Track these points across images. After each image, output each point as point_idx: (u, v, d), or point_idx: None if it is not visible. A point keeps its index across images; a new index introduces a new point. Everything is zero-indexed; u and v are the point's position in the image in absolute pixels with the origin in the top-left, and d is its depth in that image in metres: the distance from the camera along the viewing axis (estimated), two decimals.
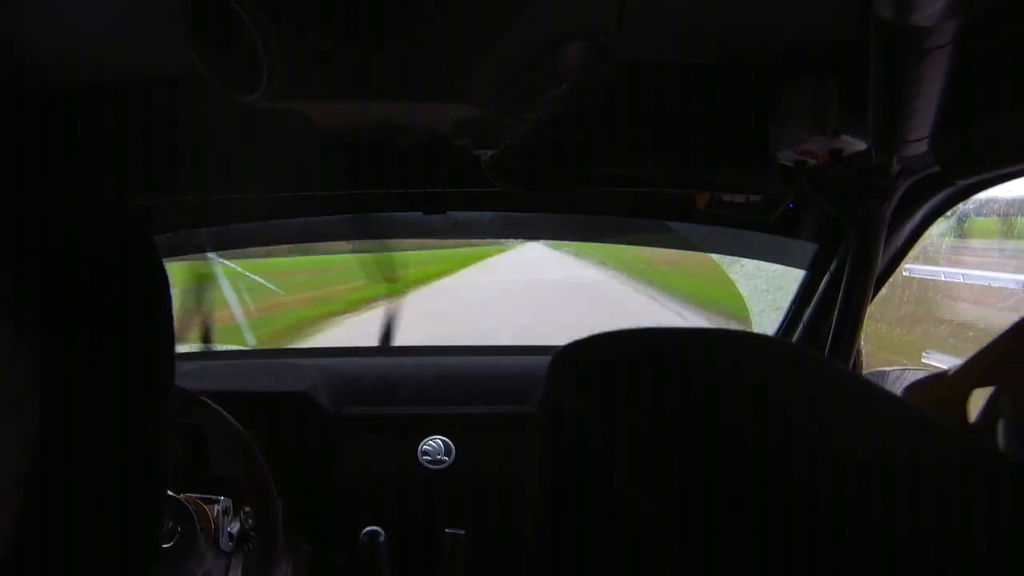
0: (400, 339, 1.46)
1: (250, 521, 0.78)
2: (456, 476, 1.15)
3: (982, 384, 0.38)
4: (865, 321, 1.00)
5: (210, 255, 1.56)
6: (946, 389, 0.40)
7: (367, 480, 1.17)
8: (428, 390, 1.21)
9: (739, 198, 0.99)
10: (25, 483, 0.26)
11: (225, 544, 0.80)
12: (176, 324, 0.34)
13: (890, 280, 1.10)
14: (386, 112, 0.68)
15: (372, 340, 1.46)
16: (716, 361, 0.23)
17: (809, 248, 1.12)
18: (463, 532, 1.11)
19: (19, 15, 0.62)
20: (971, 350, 0.44)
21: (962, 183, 0.90)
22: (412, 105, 0.65)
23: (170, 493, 0.79)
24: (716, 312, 4.93)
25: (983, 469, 0.17)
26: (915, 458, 0.17)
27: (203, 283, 1.45)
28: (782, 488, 0.16)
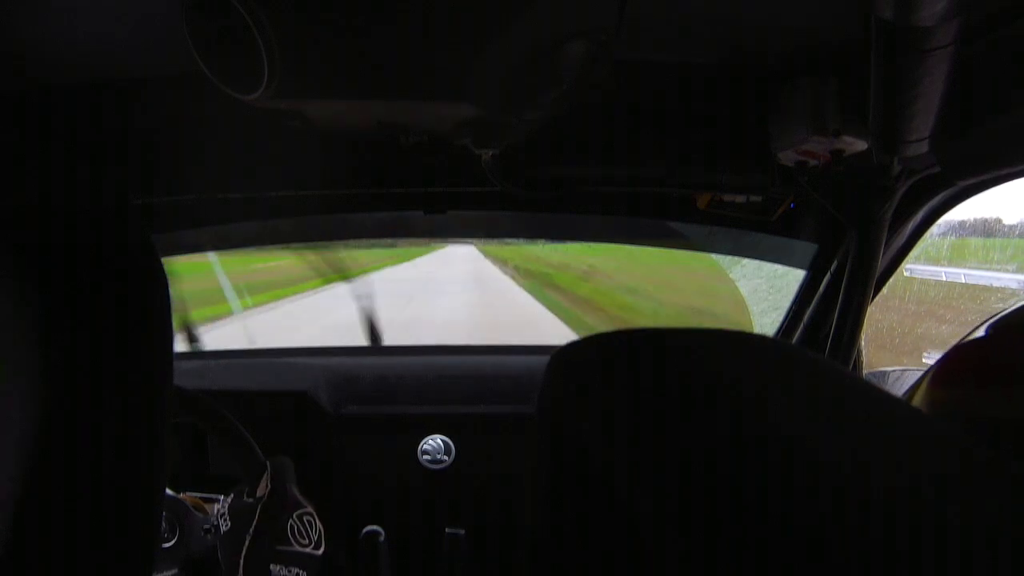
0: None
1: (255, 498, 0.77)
2: (456, 476, 1.15)
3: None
4: (865, 321, 1.00)
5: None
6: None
7: (367, 480, 1.17)
8: (428, 390, 1.21)
9: (740, 198, 0.99)
10: (25, 483, 0.26)
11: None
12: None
13: (890, 280, 1.10)
14: (386, 112, 0.68)
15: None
16: (716, 361, 0.23)
17: (810, 248, 1.12)
18: (463, 532, 1.11)
19: (19, 15, 0.62)
20: None
21: (963, 183, 0.90)
22: (412, 105, 0.65)
23: (170, 493, 0.79)
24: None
25: (983, 478, 0.17)
26: (915, 465, 0.17)
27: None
28: (782, 491, 0.16)
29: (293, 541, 0.74)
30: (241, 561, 0.71)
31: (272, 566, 0.72)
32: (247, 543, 0.72)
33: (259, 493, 0.75)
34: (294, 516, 0.75)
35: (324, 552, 0.76)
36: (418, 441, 1.15)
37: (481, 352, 1.49)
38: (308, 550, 0.74)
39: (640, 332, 0.26)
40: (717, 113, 0.86)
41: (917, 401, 0.40)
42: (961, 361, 0.39)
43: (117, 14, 0.63)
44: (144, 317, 0.32)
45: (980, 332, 0.39)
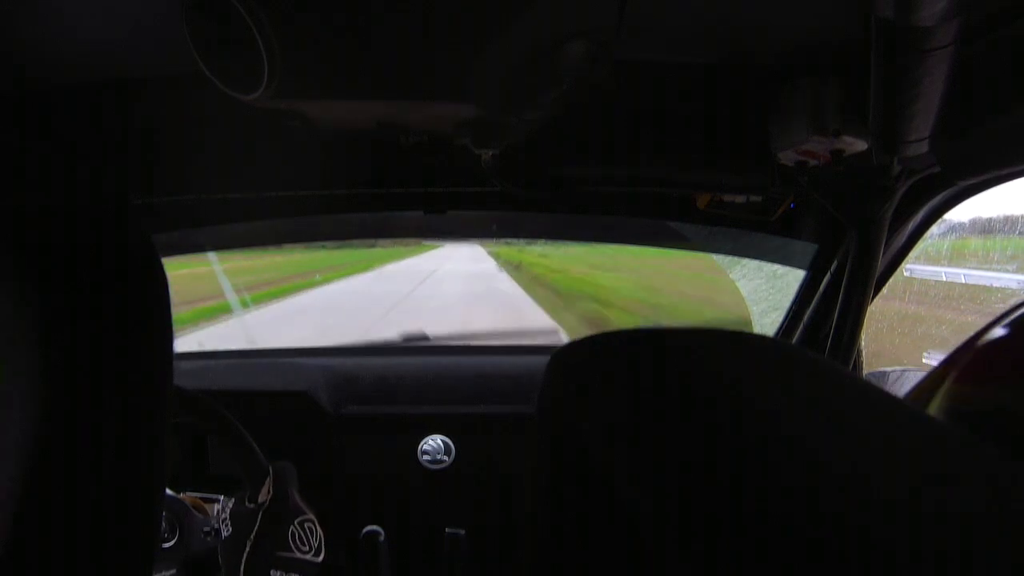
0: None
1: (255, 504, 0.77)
2: (456, 476, 1.15)
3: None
4: (865, 321, 1.00)
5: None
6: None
7: (367, 480, 1.17)
8: (428, 390, 1.21)
9: (740, 198, 0.99)
10: (25, 483, 0.26)
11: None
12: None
13: (890, 280, 1.10)
14: (386, 112, 0.69)
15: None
16: (716, 361, 0.23)
17: (810, 248, 1.12)
18: (463, 532, 1.11)
19: (19, 15, 0.62)
20: None
21: (963, 183, 0.90)
22: (412, 105, 0.65)
23: (170, 493, 0.79)
24: None
25: (984, 478, 0.17)
26: (915, 465, 0.17)
27: None
28: (782, 491, 0.16)
29: (294, 548, 0.74)
30: (242, 566, 0.72)
31: (272, 572, 0.72)
32: (248, 549, 0.72)
33: (261, 499, 0.75)
34: (295, 523, 0.75)
35: (324, 559, 0.76)
36: (418, 441, 1.15)
37: (481, 352, 1.49)
38: (308, 557, 0.75)
39: (640, 332, 0.26)
40: (717, 113, 0.86)
41: (939, 397, 0.40)
42: (990, 357, 0.39)
43: (117, 14, 0.63)
44: (144, 317, 0.32)
45: (999, 330, 0.39)
